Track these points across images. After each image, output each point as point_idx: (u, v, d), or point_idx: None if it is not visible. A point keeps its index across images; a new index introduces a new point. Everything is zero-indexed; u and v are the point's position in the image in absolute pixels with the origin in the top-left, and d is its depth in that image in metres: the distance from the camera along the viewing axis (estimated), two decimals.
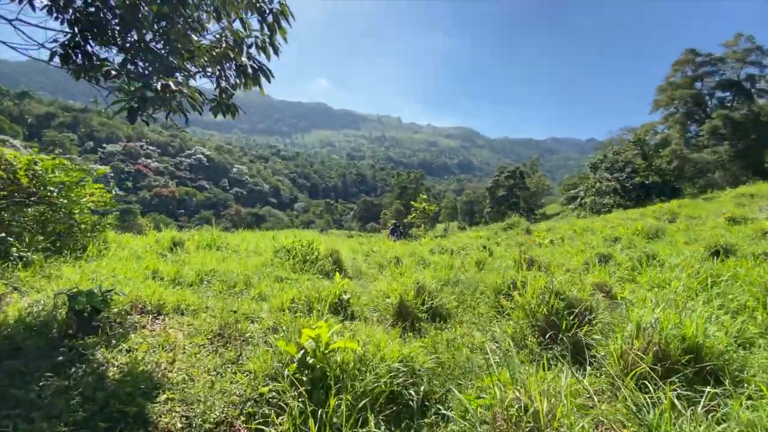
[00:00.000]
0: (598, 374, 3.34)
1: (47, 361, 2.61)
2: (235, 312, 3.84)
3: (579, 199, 42.06)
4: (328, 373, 2.46)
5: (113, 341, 3.01)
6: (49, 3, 3.31)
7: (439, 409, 2.62)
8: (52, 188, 4.98)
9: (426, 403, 2.73)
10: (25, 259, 4.54)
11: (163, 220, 63.88)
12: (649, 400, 2.52)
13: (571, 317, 4.03)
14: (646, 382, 2.82)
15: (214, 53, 3.39)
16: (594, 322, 4.09)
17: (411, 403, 2.61)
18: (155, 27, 3.20)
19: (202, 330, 3.48)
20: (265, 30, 3.46)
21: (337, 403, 2.25)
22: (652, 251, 7.77)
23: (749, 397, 2.66)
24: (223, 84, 3.68)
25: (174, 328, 3.54)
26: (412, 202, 29.58)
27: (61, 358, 2.64)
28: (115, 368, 2.67)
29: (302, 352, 2.59)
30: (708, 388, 2.63)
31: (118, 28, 3.40)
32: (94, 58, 3.48)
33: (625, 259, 7.62)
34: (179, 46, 3.09)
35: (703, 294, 5.09)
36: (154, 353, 2.97)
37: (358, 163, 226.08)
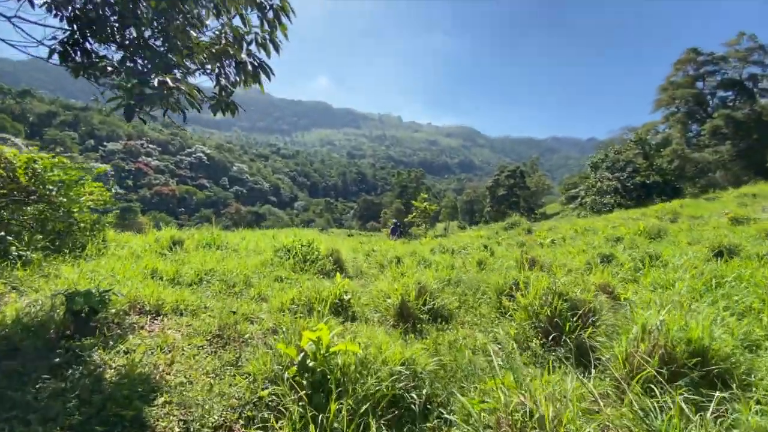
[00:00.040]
0: (603, 377, 3.30)
1: (44, 363, 2.57)
2: (234, 313, 3.80)
3: (579, 199, 41.97)
4: (328, 377, 2.42)
5: (111, 342, 2.96)
6: (49, 0, 3.27)
7: (442, 413, 2.58)
8: (51, 187, 4.93)
9: (428, 406, 2.68)
10: (24, 258, 4.50)
11: (163, 219, 63.96)
12: (656, 405, 2.48)
13: (575, 319, 3.98)
14: (652, 386, 2.78)
15: (213, 50, 3.34)
16: (597, 323, 4.05)
17: (413, 406, 2.56)
18: (154, 24, 3.15)
19: (201, 331, 3.44)
20: (266, 26, 3.41)
21: (338, 408, 2.21)
22: (655, 251, 7.72)
23: (758, 402, 2.61)
24: (223, 81, 3.62)
25: (172, 329, 3.49)
26: (412, 202, 29.54)
27: (58, 359, 2.59)
28: (113, 370, 2.62)
29: (302, 354, 2.55)
30: (717, 393, 2.58)
31: (117, 25, 3.36)
32: (93, 55, 3.43)
33: (627, 259, 7.57)
34: (178, 42, 3.04)
35: (707, 295, 5.04)
36: (152, 355, 2.92)
37: (359, 161, 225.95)
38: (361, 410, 2.26)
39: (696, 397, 2.70)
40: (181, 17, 3.08)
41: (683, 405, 2.39)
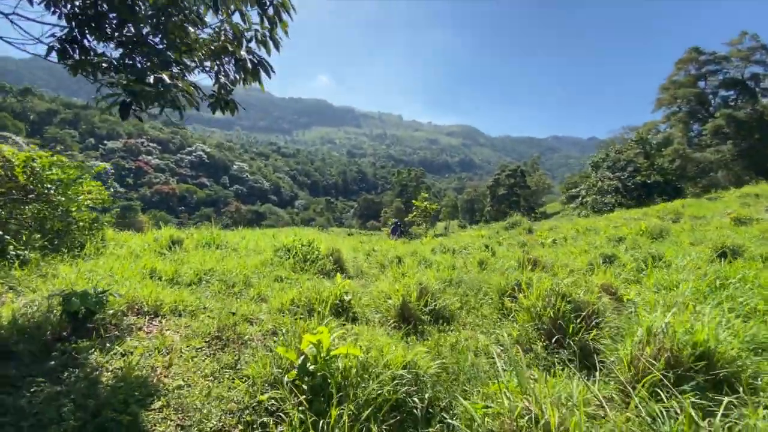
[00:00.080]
0: (607, 380, 3.25)
1: (40, 366, 2.52)
2: (233, 314, 3.75)
3: (580, 198, 41.87)
4: (329, 381, 2.37)
5: (108, 344, 2.91)
6: None
7: (444, 418, 2.53)
8: (49, 185, 4.89)
9: (430, 410, 2.64)
10: (21, 257, 4.45)
11: (163, 217, 63.94)
12: (663, 410, 2.43)
13: (578, 321, 3.94)
14: (658, 390, 2.73)
15: (212, 47, 3.28)
16: (601, 325, 4.00)
17: (415, 411, 2.52)
18: (153, 20, 3.09)
19: (200, 332, 3.39)
20: (266, 23, 3.35)
21: (339, 414, 2.16)
22: (658, 252, 7.66)
23: (766, 407, 2.56)
24: (222, 79, 3.57)
25: (171, 330, 3.44)
26: (413, 201, 29.49)
27: (53, 362, 2.55)
28: (109, 373, 2.58)
29: (302, 358, 2.50)
30: (725, 398, 2.53)
31: (115, 22, 3.31)
32: (92, 53, 3.38)
33: (629, 259, 7.52)
34: (176, 39, 2.98)
35: (711, 297, 4.99)
36: (149, 357, 2.88)
37: (359, 160, 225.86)
38: (363, 416, 2.21)
39: (703, 402, 2.65)
40: (179, 13, 3.02)
41: (691, 410, 2.34)
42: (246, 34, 3.44)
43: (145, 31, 3.25)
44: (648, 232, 10.97)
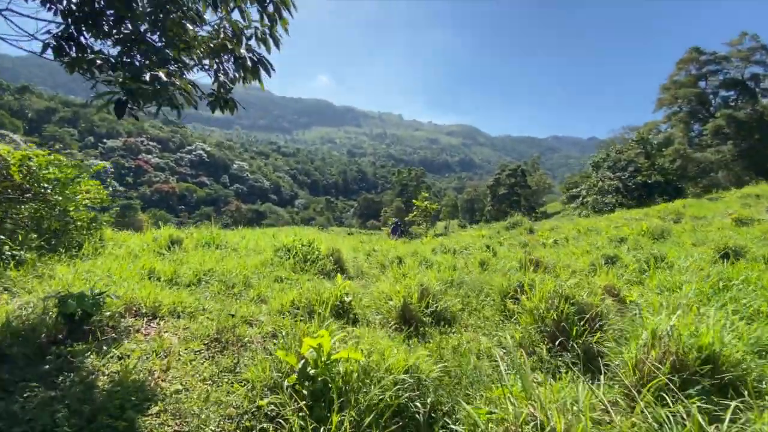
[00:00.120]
0: (612, 383, 3.20)
1: (34, 370, 2.47)
2: (233, 316, 3.70)
3: (581, 198, 41.83)
4: (330, 386, 2.31)
5: (104, 347, 2.86)
6: None
7: (447, 423, 2.48)
8: (46, 185, 4.83)
9: (432, 415, 2.59)
10: (17, 257, 4.40)
11: (163, 216, 63.88)
12: (669, 415, 2.39)
13: (582, 323, 3.89)
14: (663, 394, 2.68)
15: (211, 45, 3.23)
16: (605, 328, 3.96)
17: (417, 416, 2.47)
18: (151, 17, 3.04)
19: (199, 334, 3.33)
20: (266, 20, 3.29)
21: (340, 420, 2.11)
22: (660, 253, 7.62)
23: None
24: (222, 78, 3.51)
25: (169, 332, 3.39)
26: (413, 201, 29.44)
27: (48, 366, 2.49)
28: (106, 377, 2.52)
29: (303, 362, 2.45)
30: (732, 403, 2.48)
31: (112, 19, 3.25)
32: (89, 50, 3.33)
33: (632, 260, 7.47)
34: (175, 37, 2.93)
35: (715, 299, 4.94)
36: (147, 360, 2.82)
37: (359, 160, 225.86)
38: (365, 422, 2.16)
39: (709, 406, 2.60)
40: (179, 11, 2.97)
41: (698, 416, 2.29)
42: (246, 31, 3.38)
43: (143, 28, 3.20)
44: (649, 233, 10.93)
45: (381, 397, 2.35)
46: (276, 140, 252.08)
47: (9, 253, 4.32)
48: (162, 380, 2.62)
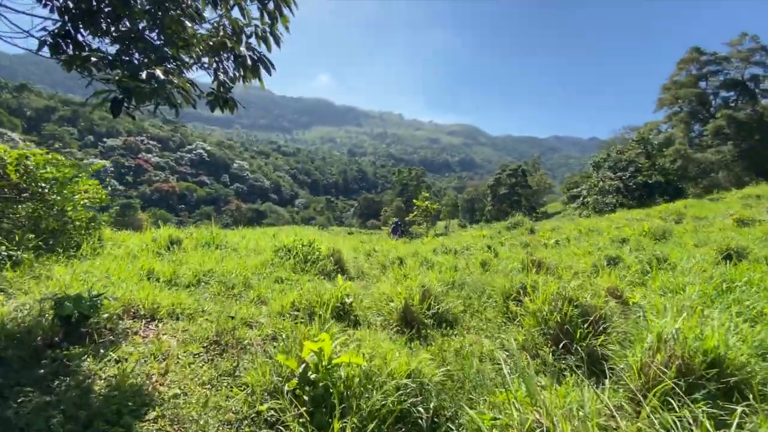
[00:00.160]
0: (616, 387, 3.16)
1: (29, 373, 2.42)
2: (233, 318, 3.65)
3: (582, 198, 41.78)
4: (331, 391, 2.26)
5: (102, 350, 2.81)
6: None
7: (451, 429, 2.43)
8: (43, 184, 4.78)
9: (435, 420, 2.54)
10: (14, 258, 4.34)
11: (163, 215, 63.82)
12: (676, 420, 2.34)
13: (585, 326, 3.85)
14: (669, 399, 2.64)
15: (210, 43, 3.17)
16: (609, 330, 3.91)
17: (420, 421, 2.42)
18: (149, 14, 2.98)
19: (198, 337, 3.28)
20: (266, 18, 3.24)
21: (341, 427, 2.06)
22: (662, 254, 7.57)
23: None
24: (221, 77, 3.46)
25: (168, 335, 3.34)
26: (414, 201, 29.39)
27: (43, 370, 2.44)
28: (102, 381, 2.47)
29: (303, 366, 2.40)
30: (739, 408, 2.44)
31: (110, 16, 3.20)
32: (86, 48, 3.27)
33: (634, 261, 7.42)
34: (173, 35, 2.88)
35: (718, 300, 4.90)
36: (145, 364, 2.77)
37: (359, 159, 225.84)
38: (368, 429, 2.11)
39: (714, 411, 2.56)
40: (177, 8, 2.91)
41: (706, 422, 2.25)
42: (246, 29, 3.33)
43: (141, 26, 3.15)
44: (651, 233, 10.88)
45: (383, 402, 2.30)
46: (276, 140, 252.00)
47: (5, 253, 4.26)
48: (160, 384, 2.57)
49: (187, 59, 3.23)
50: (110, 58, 2.99)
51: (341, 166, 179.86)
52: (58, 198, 4.94)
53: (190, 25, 2.99)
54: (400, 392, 2.43)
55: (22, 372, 2.42)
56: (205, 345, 3.19)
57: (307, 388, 2.31)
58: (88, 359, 2.66)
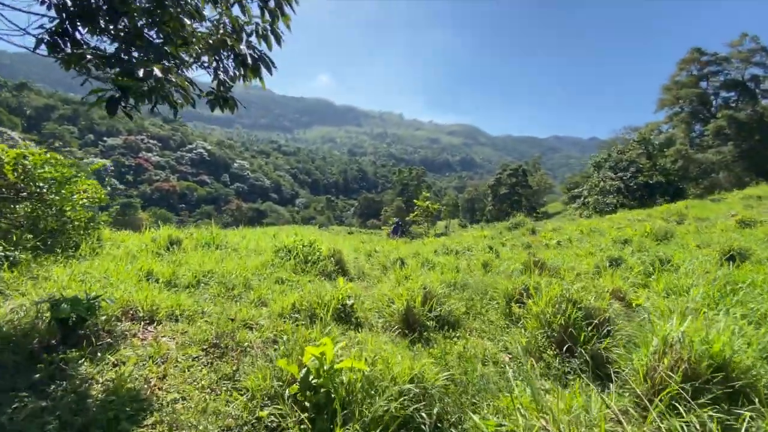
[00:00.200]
0: (621, 391, 3.11)
1: (24, 378, 2.37)
2: (233, 320, 3.60)
3: (582, 198, 41.73)
4: (333, 396, 2.22)
5: (99, 353, 2.76)
6: None
7: None
8: (41, 184, 4.73)
9: (438, 425, 2.49)
10: (11, 258, 4.29)
11: (163, 215, 63.81)
12: (683, 425, 2.30)
13: (589, 328, 3.80)
14: (675, 403, 2.60)
15: (210, 41, 3.12)
16: (613, 333, 3.86)
17: (423, 427, 2.37)
18: (147, 12, 2.93)
19: (197, 339, 3.24)
20: (267, 16, 3.19)
21: None
22: (665, 255, 7.52)
23: None
24: (221, 76, 3.41)
25: (167, 337, 3.30)
26: (415, 201, 29.34)
27: (38, 374, 2.39)
28: (100, 386, 2.42)
29: (305, 371, 2.35)
30: (747, 413, 2.40)
31: (108, 14, 3.15)
32: (84, 46, 3.22)
33: (636, 263, 7.37)
34: (172, 33, 2.83)
35: (722, 303, 4.85)
36: (143, 367, 2.72)
37: (360, 159, 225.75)
38: None
39: (721, 415, 2.51)
40: (176, 5, 2.86)
41: (714, 427, 2.21)
42: (246, 27, 3.28)
43: (140, 23, 3.10)
44: (653, 234, 10.83)
45: (386, 408, 2.25)
46: (277, 139, 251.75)
47: (3, 253, 4.21)
48: (158, 388, 2.52)
49: (186, 58, 3.18)
50: (107, 55, 2.94)
51: (341, 166, 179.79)
52: (57, 198, 4.89)
53: (189, 22, 2.93)
54: (403, 398, 2.39)
55: (18, 376, 2.38)
56: (204, 348, 3.14)
57: (308, 393, 2.26)
58: (85, 363, 2.61)
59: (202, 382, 2.65)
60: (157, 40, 3.14)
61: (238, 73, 3.38)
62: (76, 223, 5.57)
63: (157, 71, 2.35)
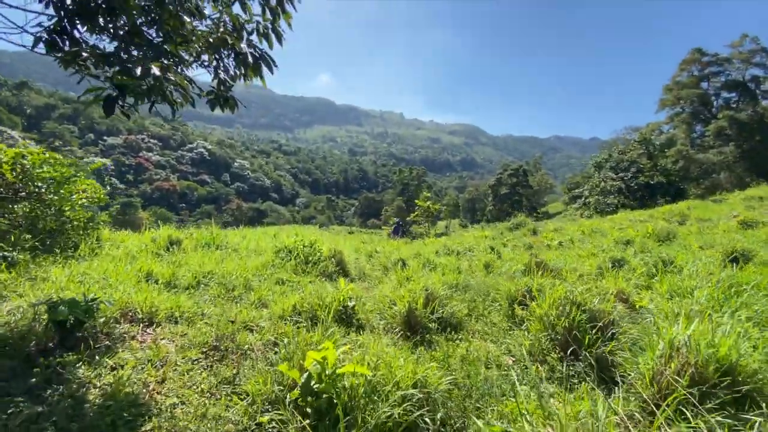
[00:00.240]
0: (627, 395, 3.06)
1: (20, 382, 2.33)
2: (233, 322, 3.56)
3: (583, 199, 41.67)
4: (335, 402, 2.17)
5: (97, 357, 2.72)
6: None
7: None
8: (40, 184, 4.69)
9: (442, 430, 2.45)
10: (9, 259, 4.25)
11: (164, 214, 63.80)
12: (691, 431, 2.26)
13: (594, 331, 3.75)
14: (682, 408, 2.56)
15: (210, 39, 3.07)
16: (618, 336, 3.82)
17: None
18: (146, 9, 2.89)
19: (197, 342, 3.19)
20: (268, 14, 3.14)
21: None
22: (668, 256, 7.47)
23: None
24: (222, 75, 3.36)
25: (166, 339, 3.25)
26: (416, 201, 29.28)
27: (35, 379, 2.35)
28: (97, 390, 2.38)
29: (306, 375, 2.30)
30: (756, 419, 2.35)
31: (106, 11, 3.10)
32: (83, 45, 3.18)
33: (639, 264, 7.32)
34: (171, 31, 2.78)
35: (727, 305, 4.80)
36: (142, 371, 2.68)
37: (360, 159, 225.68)
38: None
39: (728, 421, 2.47)
40: (175, 2, 2.81)
41: None
42: (247, 25, 3.23)
43: (139, 21, 3.05)
44: (655, 235, 10.79)
45: (389, 414, 2.21)
46: (277, 139, 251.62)
47: (0, 254, 4.17)
48: (157, 393, 2.48)
49: (186, 57, 3.13)
50: (106, 54, 2.89)
51: (342, 166, 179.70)
52: (56, 197, 4.85)
53: (189, 20, 2.89)
54: (407, 403, 2.34)
55: (13, 380, 2.33)
56: (204, 350, 3.10)
57: (310, 398, 2.22)
58: (83, 367, 2.57)
59: (202, 386, 2.61)
60: (157, 39, 3.09)
61: (238, 72, 3.34)
62: (75, 223, 5.52)
63: (155, 69, 2.31)
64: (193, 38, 2.99)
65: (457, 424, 2.51)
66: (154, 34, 3.16)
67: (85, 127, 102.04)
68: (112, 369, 2.65)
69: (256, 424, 2.25)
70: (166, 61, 2.56)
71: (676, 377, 2.86)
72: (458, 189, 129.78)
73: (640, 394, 2.97)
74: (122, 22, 3.06)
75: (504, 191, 60.39)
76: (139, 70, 2.28)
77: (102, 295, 3.40)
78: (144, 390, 2.47)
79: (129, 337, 3.16)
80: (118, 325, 3.25)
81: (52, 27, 3.07)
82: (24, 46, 3.04)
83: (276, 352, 3.03)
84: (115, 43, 3.19)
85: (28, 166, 4.48)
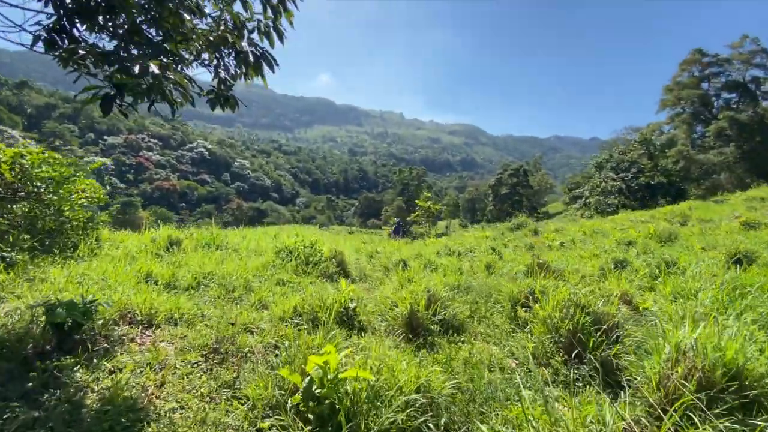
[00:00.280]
0: (632, 400, 3.02)
1: (17, 386, 2.28)
2: (233, 324, 3.51)
3: (584, 199, 41.64)
4: (337, 407, 2.13)
5: (95, 360, 2.67)
6: None
7: None
8: (39, 183, 4.65)
9: None
10: (8, 259, 4.20)
11: (164, 214, 63.77)
12: None
13: (598, 333, 3.71)
14: (689, 413, 2.51)
15: (210, 38, 3.03)
16: (622, 339, 3.77)
17: None
18: (145, 7, 2.84)
19: (197, 344, 3.15)
20: (269, 12, 3.09)
21: None
22: (671, 257, 7.42)
23: None
24: (222, 74, 3.32)
25: (165, 342, 3.21)
26: (416, 201, 29.24)
27: (31, 383, 2.30)
28: (95, 394, 2.34)
29: (308, 380, 2.26)
30: (764, 425, 2.32)
31: (107, 10, 3.06)
32: (83, 43, 3.14)
33: (642, 265, 7.28)
34: (171, 29, 2.74)
35: (731, 307, 4.75)
36: (140, 375, 2.64)
37: (360, 158, 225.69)
38: None
39: (736, 426, 2.43)
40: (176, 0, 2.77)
41: None
42: (248, 24, 3.19)
43: (139, 20, 3.01)
44: (657, 236, 10.74)
45: (393, 420, 2.16)
46: (278, 138, 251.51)
47: None
48: (156, 397, 2.44)
49: (186, 55, 3.09)
50: (105, 53, 2.85)
51: (342, 165, 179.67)
52: (55, 197, 4.80)
53: (189, 18, 2.84)
54: (410, 408, 2.30)
55: (10, 384, 2.29)
56: (204, 353, 3.06)
57: (311, 404, 2.18)
58: (81, 370, 2.52)
59: (202, 390, 2.57)
60: (157, 37, 3.05)
61: (239, 71, 3.29)
62: (75, 223, 5.48)
63: (153, 68, 2.26)
64: (194, 36, 2.95)
65: (462, 430, 2.46)
66: (153, 33, 3.12)
67: (85, 127, 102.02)
68: (111, 372, 2.60)
69: (256, 430, 2.21)
70: (165, 60, 2.51)
71: (684, 381, 2.81)
72: (458, 189, 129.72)
73: (646, 398, 2.93)
74: (122, 20, 3.02)
75: (504, 191, 60.37)
76: (137, 69, 2.23)
77: (101, 296, 3.36)
78: (143, 394, 2.43)
79: (128, 339, 3.12)
80: (116, 327, 3.21)
81: (51, 25, 3.03)
82: (23, 45, 3.00)
83: (277, 356, 2.99)
84: (115, 42, 3.16)
85: (27, 166, 4.44)
